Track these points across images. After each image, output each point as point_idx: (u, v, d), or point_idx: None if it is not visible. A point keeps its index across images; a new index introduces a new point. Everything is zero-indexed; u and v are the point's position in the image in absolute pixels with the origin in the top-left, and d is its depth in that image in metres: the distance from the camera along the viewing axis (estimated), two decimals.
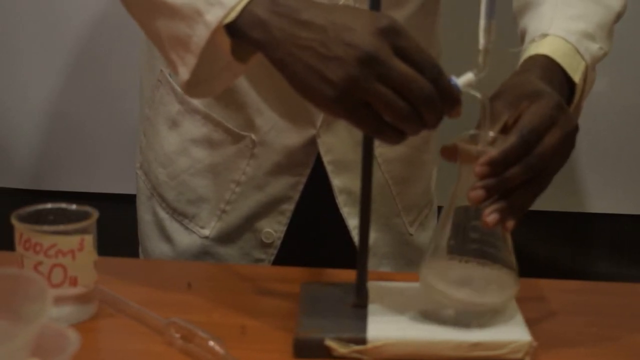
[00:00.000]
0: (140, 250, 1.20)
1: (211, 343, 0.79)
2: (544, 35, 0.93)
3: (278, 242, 1.10)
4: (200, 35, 0.80)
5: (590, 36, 0.95)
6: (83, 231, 0.85)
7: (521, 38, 1.00)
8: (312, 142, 1.06)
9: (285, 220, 1.09)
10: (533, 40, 0.94)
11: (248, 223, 1.09)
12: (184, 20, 0.81)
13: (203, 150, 1.09)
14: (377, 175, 1.07)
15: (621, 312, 0.94)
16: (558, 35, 0.93)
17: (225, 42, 0.80)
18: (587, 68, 0.93)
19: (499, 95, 0.85)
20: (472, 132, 0.82)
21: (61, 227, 0.84)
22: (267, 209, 1.09)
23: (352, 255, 0.88)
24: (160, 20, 0.84)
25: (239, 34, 0.78)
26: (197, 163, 1.09)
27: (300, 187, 1.08)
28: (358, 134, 0.81)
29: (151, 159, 1.14)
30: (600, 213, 1.67)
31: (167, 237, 1.14)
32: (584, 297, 0.97)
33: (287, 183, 1.08)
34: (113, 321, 0.87)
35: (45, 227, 0.84)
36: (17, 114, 1.65)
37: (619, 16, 1.01)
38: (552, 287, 0.98)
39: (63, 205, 0.88)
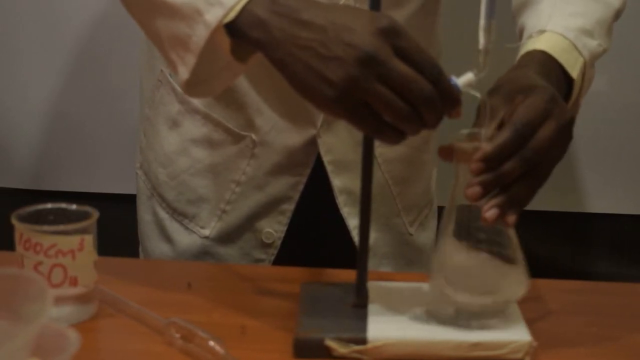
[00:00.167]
0: (140, 250, 1.20)
1: (211, 343, 0.79)
2: (542, 32, 0.93)
3: (278, 242, 1.10)
4: (200, 35, 0.80)
5: (588, 33, 0.95)
6: (83, 231, 0.85)
7: (519, 36, 1.00)
8: (312, 142, 1.06)
9: (285, 220, 1.09)
10: (531, 36, 0.94)
11: (248, 223, 1.09)
12: (184, 20, 0.81)
13: (203, 150, 1.09)
14: (377, 175, 1.07)
15: (621, 312, 0.94)
16: (556, 32, 0.93)
17: (225, 41, 0.80)
18: (585, 64, 0.93)
19: (495, 91, 0.84)
20: (468, 130, 0.82)
21: (61, 227, 0.84)
22: (267, 209, 1.09)
23: (352, 255, 0.88)
24: (160, 20, 0.84)
25: (238, 33, 0.78)
26: (197, 163, 1.09)
27: (301, 187, 1.08)
28: (358, 134, 0.81)
29: (151, 159, 1.14)
30: (600, 213, 1.67)
31: (167, 237, 1.13)
32: (584, 297, 0.97)
33: (287, 183, 1.08)
34: (113, 321, 0.87)
35: (45, 227, 0.84)
36: (17, 114, 1.65)
37: (618, 13, 1.01)
38: (551, 287, 0.98)
39: (63, 205, 0.88)
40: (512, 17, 1.05)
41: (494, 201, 0.80)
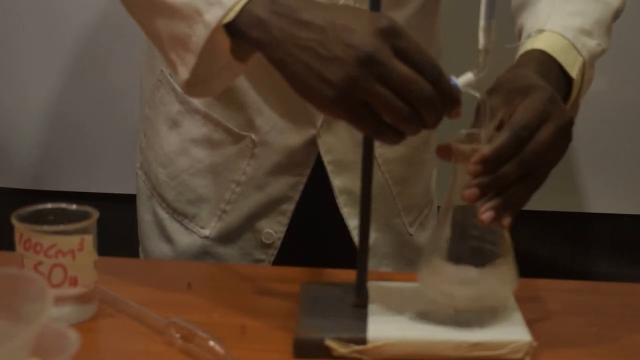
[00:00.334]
0: (140, 250, 1.20)
1: (211, 343, 0.79)
2: (541, 31, 0.93)
3: (278, 243, 1.10)
4: (199, 35, 0.80)
5: (587, 32, 0.95)
6: (83, 231, 0.85)
7: (518, 36, 1.00)
8: (312, 142, 1.06)
9: (285, 220, 1.09)
10: (529, 36, 0.94)
11: (248, 223, 1.09)
12: (184, 20, 0.81)
13: (203, 150, 1.09)
14: (377, 176, 1.07)
15: (621, 312, 0.94)
16: (555, 31, 0.93)
17: (224, 41, 0.80)
18: (584, 64, 0.93)
19: (494, 90, 0.84)
20: (467, 130, 0.82)
21: (61, 227, 0.84)
22: (267, 209, 1.09)
23: (352, 256, 0.88)
24: (159, 20, 0.84)
25: (238, 33, 0.78)
26: (197, 163, 1.09)
27: (301, 187, 1.08)
28: (358, 134, 0.81)
29: (151, 159, 1.14)
30: (600, 213, 1.67)
31: (167, 237, 1.13)
32: (584, 297, 0.97)
33: (287, 183, 1.07)
34: (113, 321, 0.87)
35: (45, 227, 0.84)
36: (17, 114, 1.65)
37: (617, 13, 1.01)
38: (551, 287, 0.98)
39: (63, 205, 0.88)
40: (511, 17, 1.05)
41: (490, 203, 0.79)
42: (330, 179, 1.07)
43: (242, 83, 1.04)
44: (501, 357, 0.81)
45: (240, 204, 1.09)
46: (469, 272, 0.82)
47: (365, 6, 0.80)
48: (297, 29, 0.76)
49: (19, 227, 0.84)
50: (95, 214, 0.86)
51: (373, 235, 1.11)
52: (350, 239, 1.08)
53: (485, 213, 0.79)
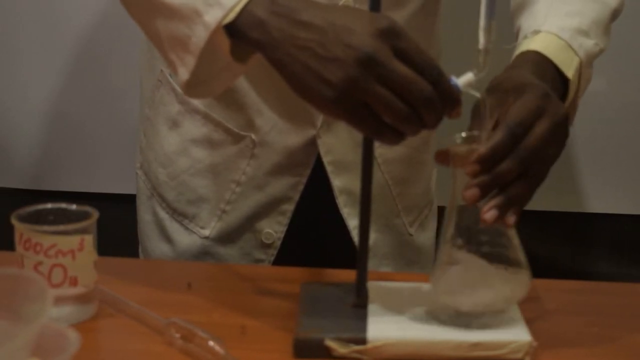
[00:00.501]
0: (140, 250, 1.20)
1: (211, 343, 0.79)
2: (537, 32, 0.93)
3: (278, 243, 1.10)
4: (199, 35, 0.80)
5: (584, 32, 0.95)
6: (83, 231, 0.85)
7: (516, 37, 1.00)
8: (312, 143, 1.06)
9: (285, 220, 1.09)
10: (526, 37, 0.94)
11: (248, 223, 1.09)
12: (183, 21, 0.81)
13: (203, 150, 1.09)
14: (377, 176, 1.07)
15: (621, 312, 0.94)
16: (551, 32, 0.93)
17: (224, 42, 0.80)
18: (581, 64, 0.93)
19: (489, 92, 0.84)
20: (463, 134, 0.82)
21: (61, 227, 0.84)
22: (267, 209, 1.09)
23: (352, 256, 0.88)
24: (159, 21, 0.84)
25: (238, 34, 0.78)
26: (197, 163, 1.09)
27: (301, 188, 1.08)
28: (358, 135, 0.81)
29: (151, 159, 1.14)
30: (600, 213, 1.67)
31: (167, 237, 1.13)
32: (584, 297, 0.97)
33: (287, 183, 1.08)
34: (113, 321, 0.87)
35: (45, 227, 0.84)
36: (17, 114, 1.65)
37: (615, 13, 1.01)
38: (551, 287, 0.98)
39: (63, 205, 0.88)
40: (510, 18, 1.04)
41: (492, 202, 0.80)
42: (330, 179, 1.07)
43: (242, 83, 1.04)
44: (501, 357, 0.81)
45: (240, 204, 1.09)
46: (481, 277, 0.82)
47: (365, 6, 0.80)
48: (296, 29, 0.76)
49: (19, 227, 0.84)
50: (95, 214, 0.86)
51: (373, 236, 1.11)
52: (350, 239, 1.08)
53: (488, 212, 0.79)
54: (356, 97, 0.74)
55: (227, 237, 1.10)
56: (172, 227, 1.13)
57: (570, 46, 0.92)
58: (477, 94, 0.80)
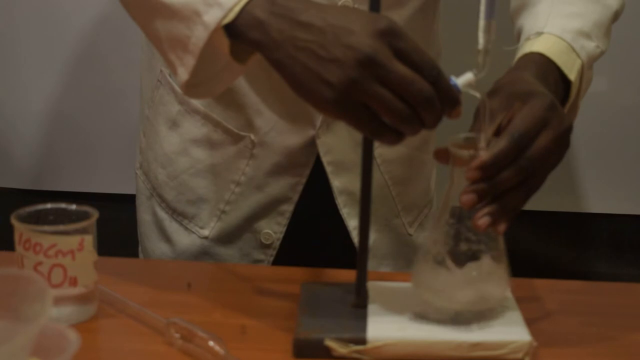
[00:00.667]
0: (140, 250, 1.20)
1: (211, 343, 0.79)
2: (539, 34, 0.93)
3: (277, 243, 1.10)
4: (198, 36, 0.80)
5: (586, 34, 0.95)
6: (83, 231, 0.85)
7: (517, 38, 1.00)
8: (311, 143, 1.06)
9: (284, 220, 1.09)
10: (528, 38, 0.94)
11: (247, 223, 1.09)
12: (183, 21, 0.81)
13: (203, 150, 1.09)
14: (377, 176, 1.08)
15: (621, 312, 0.94)
16: (553, 34, 0.93)
17: (223, 43, 0.80)
18: (583, 66, 0.93)
19: (493, 94, 0.84)
20: (465, 134, 0.82)
21: (61, 227, 0.84)
22: (266, 209, 1.09)
23: (352, 256, 0.88)
24: (159, 21, 0.84)
25: (237, 34, 0.78)
26: (196, 163, 1.09)
27: (300, 188, 1.08)
28: (358, 135, 0.81)
29: (151, 159, 1.14)
30: (600, 213, 1.67)
31: (167, 238, 1.14)
32: (584, 297, 0.97)
33: (286, 184, 1.08)
34: (113, 321, 0.87)
35: (45, 227, 0.84)
36: (17, 114, 1.65)
37: (617, 14, 1.01)
38: (552, 287, 0.98)
39: (63, 205, 0.88)
40: (510, 18, 1.04)
41: (486, 209, 0.80)
42: (330, 179, 1.07)
43: (242, 84, 1.04)
44: (501, 357, 0.81)
45: (239, 204, 1.09)
46: (463, 274, 0.82)
47: (365, 6, 0.80)
48: (296, 30, 0.76)
49: (19, 227, 0.84)
50: (95, 214, 0.86)
51: (373, 236, 1.11)
52: (349, 239, 1.08)
53: (482, 219, 0.79)
54: (356, 97, 0.74)
55: (226, 238, 1.10)
56: (172, 227, 1.13)
57: (572, 48, 0.92)
58: (477, 95, 0.80)
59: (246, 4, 0.78)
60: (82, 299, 0.86)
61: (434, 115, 0.76)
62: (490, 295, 0.84)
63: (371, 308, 0.86)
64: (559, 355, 0.84)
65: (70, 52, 1.61)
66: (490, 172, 0.79)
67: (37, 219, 0.86)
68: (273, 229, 1.09)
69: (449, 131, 0.83)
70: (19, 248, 0.84)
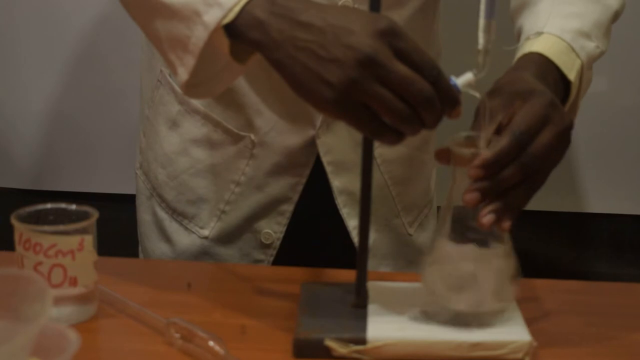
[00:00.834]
0: (140, 250, 1.20)
1: (211, 343, 0.79)
2: (539, 34, 0.93)
3: (277, 243, 1.10)
4: (198, 36, 0.80)
5: (586, 34, 0.95)
6: (83, 231, 0.85)
7: (517, 38, 1.00)
8: (311, 143, 1.06)
9: (284, 220, 1.09)
10: (528, 38, 0.94)
11: (247, 223, 1.09)
12: (183, 21, 0.81)
13: (203, 150, 1.09)
14: (377, 176, 1.07)
15: (621, 312, 0.94)
16: (553, 34, 0.93)
17: (223, 43, 0.80)
18: (582, 67, 0.93)
19: (493, 93, 0.84)
20: (466, 133, 0.82)
21: (61, 227, 0.84)
22: (266, 209, 1.09)
23: (352, 256, 0.88)
24: (159, 21, 0.84)
25: (237, 34, 0.78)
26: (196, 163, 1.09)
27: (300, 188, 1.08)
28: (358, 135, 0.81)
29: (151, 159, 1.14)
30: (600, 213, 1.67)
31: (167, 238, 1.14)
32: (584, 297, 0.97)
33: (286, 183, 1.07)
34: (113, 321, 0.87)
35: (45, 227, 0.84)
36: (17, 114, 1.65)
37: (616, 15, 1.01)
38: (552, 287, 0.98)
39: (63, 205, 0.88)
40: (510, 18, 1.04)
41: (491, 207, 0.80)
42: (330, 179, 1.07)
43: (242, 84, 1.04)
44: (501, 357, 0.81)
45: (239, 204, 1.09)
46: (471, 274, 0.82)
47: (365, 6, 0.80)
48: (296, 30, 0.76)
49: (19, 227, 0.84)
50: (95, 214, 0.86)
51: (373, 236, 1.11)
52: (349, 239, 1.08)
53: (486, 217, 0.80)
54: (356, 97, 0.74)
55: (226, 238, 1.10)
56: (172, 227, 1.13)
57: (572, 48, 0.92)
58: (477, 94, 0.80)
59: (246, 4, 0.78)
60: (82, 299, 0.86)
61: (434, 115, 0.76)
62: (496, 297, 0.83)
63: (371, 308, 0.86)
64: (559, 355, 0.84)
65: (70, 52, 1.61)
66: (493, 169, 0.79)
67: (37, 219, 0.86)
68: (273, 229, 1.09)
69: (449, 131, 0.83)
70: (19, 248, 0.84)
